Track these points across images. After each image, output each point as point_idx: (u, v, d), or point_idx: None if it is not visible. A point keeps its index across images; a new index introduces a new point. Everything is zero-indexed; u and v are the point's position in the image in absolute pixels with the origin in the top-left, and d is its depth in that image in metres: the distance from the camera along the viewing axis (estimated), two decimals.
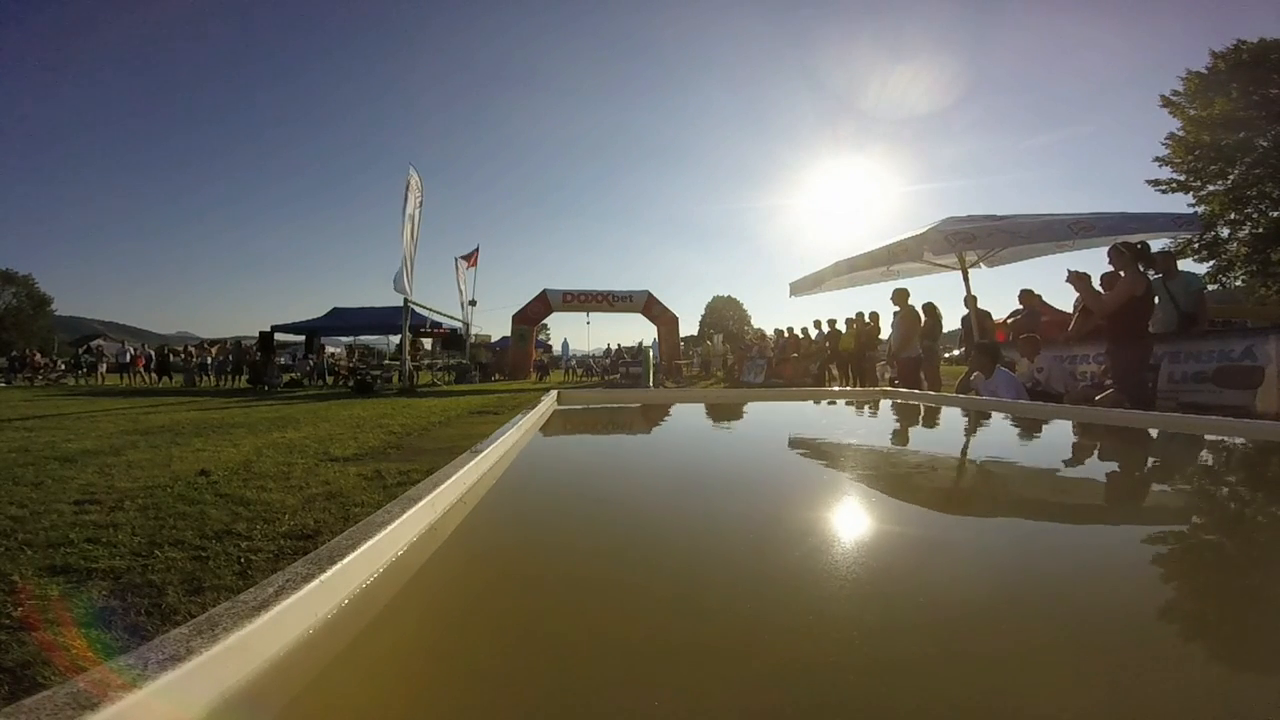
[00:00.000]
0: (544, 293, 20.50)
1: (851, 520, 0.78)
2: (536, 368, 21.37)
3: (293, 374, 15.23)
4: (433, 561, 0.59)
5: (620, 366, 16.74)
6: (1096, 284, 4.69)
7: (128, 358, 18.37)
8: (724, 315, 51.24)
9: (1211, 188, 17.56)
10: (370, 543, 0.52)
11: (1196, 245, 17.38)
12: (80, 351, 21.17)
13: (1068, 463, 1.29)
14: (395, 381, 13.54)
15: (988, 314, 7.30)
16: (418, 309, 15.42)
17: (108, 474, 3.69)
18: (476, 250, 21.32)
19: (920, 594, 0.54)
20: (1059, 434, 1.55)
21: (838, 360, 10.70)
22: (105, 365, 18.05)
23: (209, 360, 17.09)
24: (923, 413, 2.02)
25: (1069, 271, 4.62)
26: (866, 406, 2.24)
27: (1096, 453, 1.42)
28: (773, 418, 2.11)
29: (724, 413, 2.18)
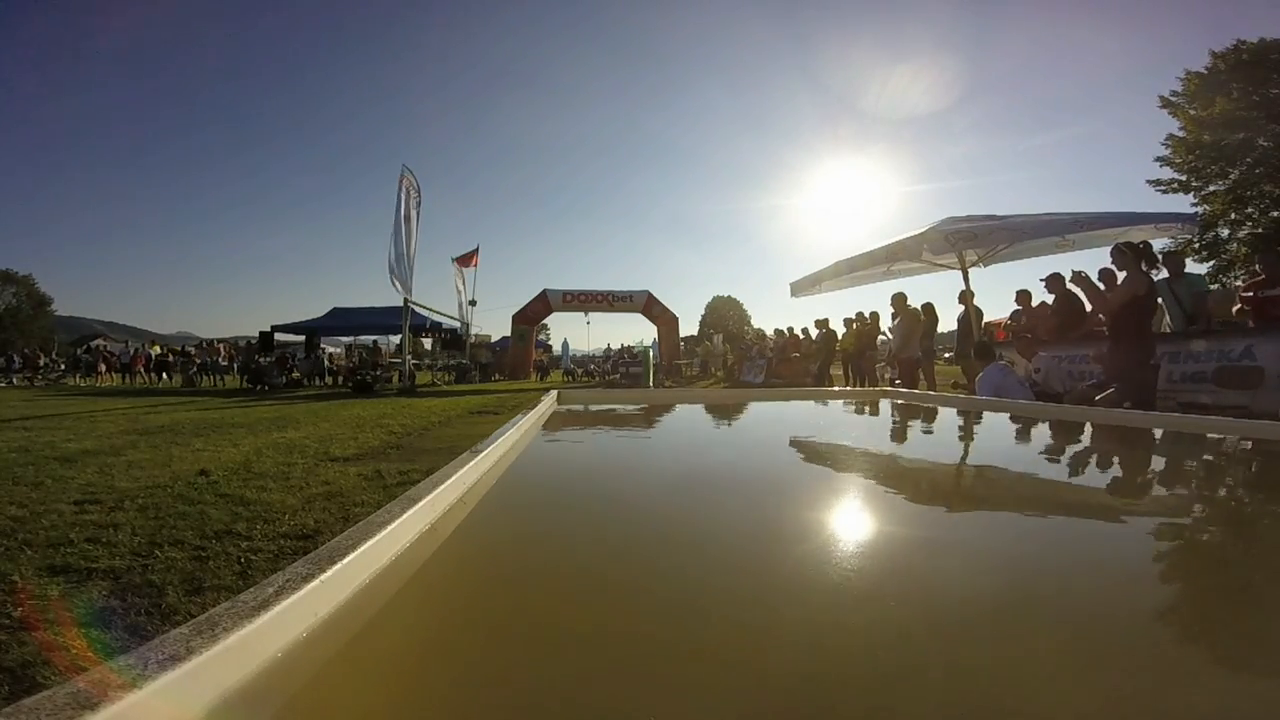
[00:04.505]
0: (544, 293, 20.48)
1: (852, 520, 0.78)
2: (536, 368, 21.37)
3: (292, 373, 15.21)
4: (433, 561, 0.59)
5: (620, 366, 16.74)
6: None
7: (128, 358, 18.36)
8: (724, 315, 51.22)
9: (1212, 188, 17.56)
10: (370, 543, 0.52)
11: (1197, 245, 17.39)
12: (80, 351, 21.16)
13: (1068, 463, 1.29)
14: (395, 381, 13.53)
15: (980, 312, 7.33)
16: (418, 309, 15.41)
17: (108, 474, 3.69)
18: (476, 250, 21.30)
19: (921, 593, 0.54)
20: (1059, 434, 1.55)
21: (837, 360, 10.71)
22: (105, 365, 18.03)
23: (209, 360, 17.09)
24: (923, 413, 2.02)
25: (1072, 272, 4.67)
26: (867, 407, 2.24)
27: (1096, 452, 1.42)
28: (772, 418, 2.11)
29: (724, 413, 2.18)
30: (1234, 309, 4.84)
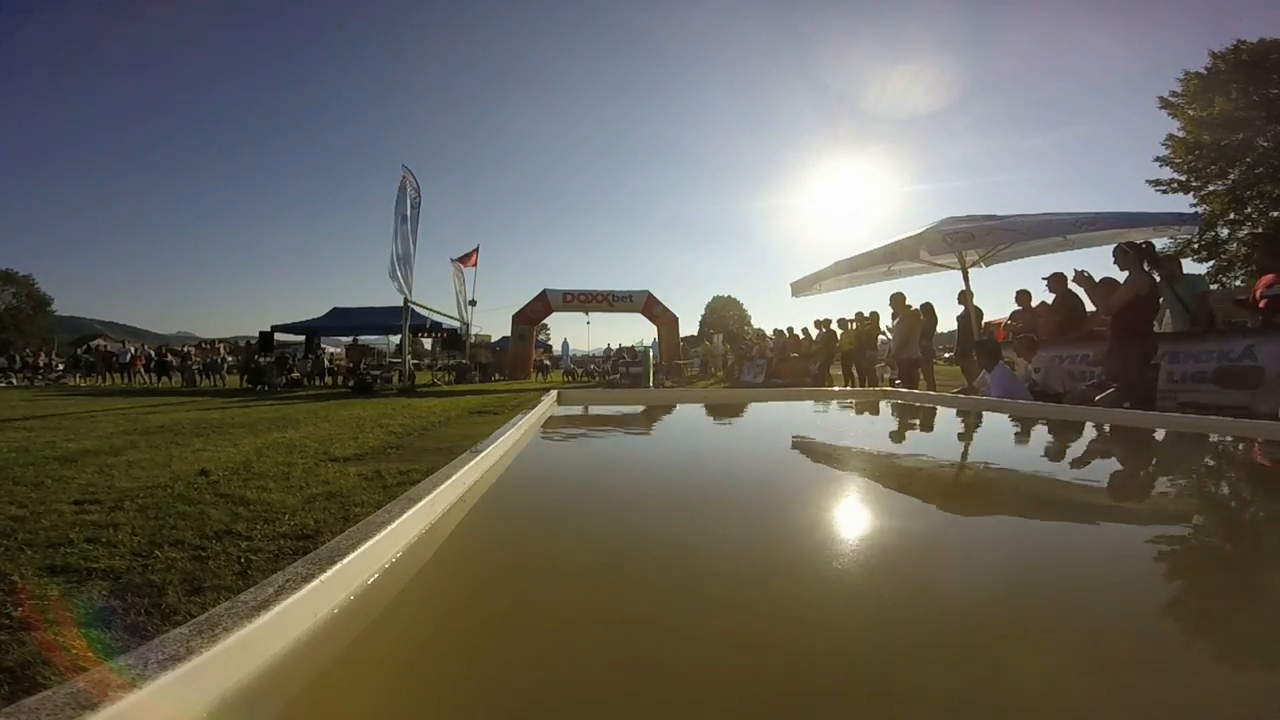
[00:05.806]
0: (544, 293, 20.48)
1: (852, 521, 0.78)
2: (536, 368, 21.37)
3: (292, 373, 15.20)
4: (433, 562, 0.59)
5: (620, 367, 16.75)
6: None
7: (127, 358, 18.35)
8: (724, 315, 51.21)
9: (1212, 188, 17.56)
10: (370, 543, 0.52)
11: (1196, 245, 17.39)
12: (80, 351, 21.14)
13: (1068, 463, 1.29)
14: (395, 381, 13.54)
15: (980, 312, 7.34)
16: (418, 309, 15.41)
17: (108, 474, 3.69)
18: (476, 250, 21.30)
19: (921, 593, 0.54)
20: (1059, 434, 1.55)
21: (837, 360, 10.70)
22: (105, 365, 18.03)
23: (210, 360, 17.09)
24: (923, 413, 2.02)
25: (1075, 271, 4.67)
26: (866, 407, 2.24)
27: (1097, 453, 1.42)
28: (772, 418, 2.11)
29: (723, 413, 2.18)
30: (1238, 300, 4.83)
